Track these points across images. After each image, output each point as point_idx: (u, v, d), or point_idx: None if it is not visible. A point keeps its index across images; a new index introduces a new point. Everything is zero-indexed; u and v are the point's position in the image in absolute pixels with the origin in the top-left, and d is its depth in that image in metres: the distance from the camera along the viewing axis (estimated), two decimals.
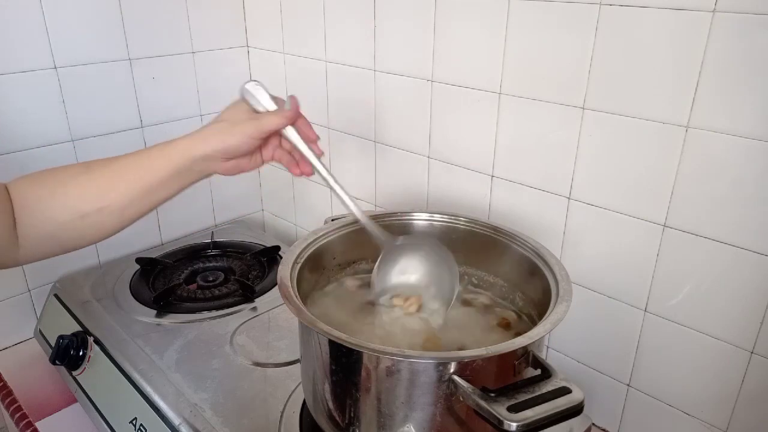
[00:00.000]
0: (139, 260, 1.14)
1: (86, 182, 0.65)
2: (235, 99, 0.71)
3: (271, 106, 0.68)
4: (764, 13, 0.59)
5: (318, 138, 0.70)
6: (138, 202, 0.65)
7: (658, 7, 0.66)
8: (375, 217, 0.79)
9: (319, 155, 0.69)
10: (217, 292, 1.07)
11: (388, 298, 0.74)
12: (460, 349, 0.68)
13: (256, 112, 0.68)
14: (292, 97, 0.68)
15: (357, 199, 1.12)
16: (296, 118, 0.68)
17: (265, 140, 0.69)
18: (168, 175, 0.65)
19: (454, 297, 0.73)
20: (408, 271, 0.74)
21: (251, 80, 0.69)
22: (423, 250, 0.73)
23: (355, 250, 0.81)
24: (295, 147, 0.69)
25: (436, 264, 0.73)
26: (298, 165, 0.71)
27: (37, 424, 0.91)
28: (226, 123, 0.67)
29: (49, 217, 0.63)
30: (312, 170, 0.70)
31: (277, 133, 0.69)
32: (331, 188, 0.69)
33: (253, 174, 1.39)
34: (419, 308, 0.72)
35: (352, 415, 0.62)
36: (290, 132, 0.68)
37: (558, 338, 0.90)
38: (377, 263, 0.73)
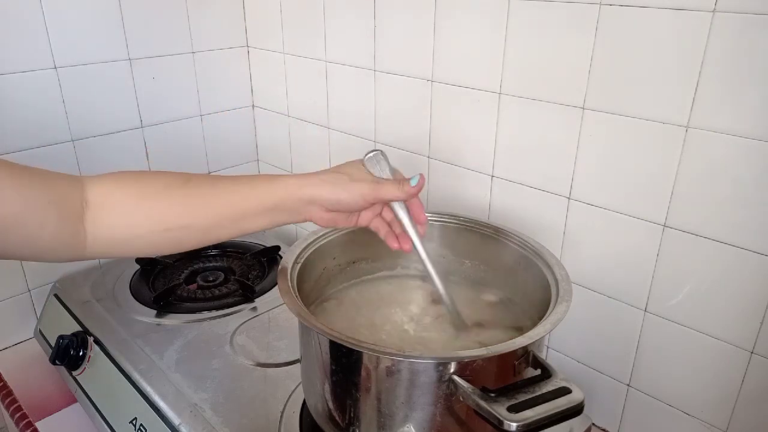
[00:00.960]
0: (139, 260, 1.14)
1: (178, 197, 0.62)
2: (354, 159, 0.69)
3: (387, 169, 0.67)
4: (764, 13, 0.59)
5: (426, 222, 0.70)
6: (225, 227, 0.64)
7: (658, 7, 0.66)
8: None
9: (421, 236, 0.69)
10: (217, 292, 1.07)
11: None
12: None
13: (375, 176, 0.67)
14: (421, 176, 0.66)
15: None
16: (416, 195, 0.67)
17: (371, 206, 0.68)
18: (264, 208, 0.63)
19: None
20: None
21: (375, 150, 0.67)
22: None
23: (355, 250, 0.81)
24: (398, 221, 0.68)
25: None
26: (398, 239, 0.70)
27: (37, 424, 0.91)
28: (344, 176, 0.65)
29: (129, 224, 0.61)
30: (411, 247, 0.69)
31: (385, 203, 0.69)
32: (428, 271, 0.69)
33: None
34: None
35: (352, 415, 0.62)
36: (400, 208, 0.68)
37: (558, 338, 0.90)
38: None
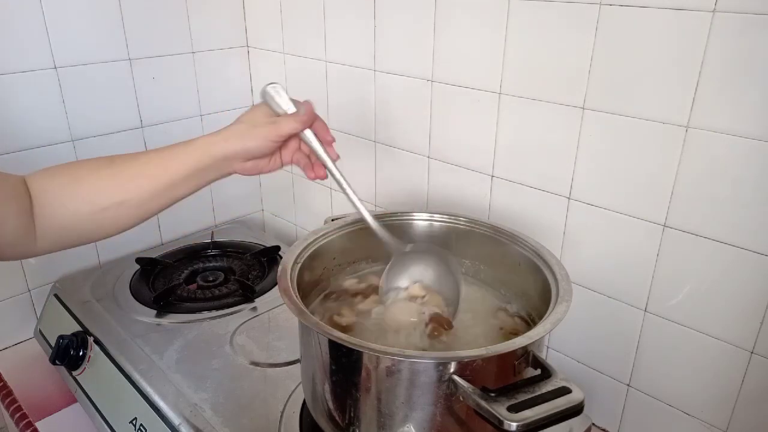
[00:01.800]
0: (139, 260, 1.14)
1: (108, 176, 0.66)
2: (256, 103, 0.72)
3: (291, 109, 0.69)
4: (764, 13, 0.59)
5: (334, 140, 0.71)
6: (158, 197, 0.67)
7: (658, 7, 0.66)
8: (376, 218, 0.79)
9: (334, 159, 0.70)
10: (217, 292, 1.07)
11: (401, 291, 0.74)
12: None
13: (276, 114, 0.69)
14: (307, 102, 0.69)
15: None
16: (312, 122, 0.69)
17: (285, 143, 0.70)
18: (188, 172, 0.66)
19: (460, 302, 0.73)
20: (416, 277, 0.74)
21: (272, 83, 0.69)
22: (431, 257, 0.74)
23: (355, 250, 0.81)
24: (312, 150, 0.70)
25: (444, 271, 0.74)
26: (313, 168, 0.72)
27: (37, 424, 0.91)
28: (245, 125, 0.68)
29: (68, 210, 0.64)
30: (326, 173, 0.71)
31: (297, 137, 0.70)
32: (344, 191, 0.70)
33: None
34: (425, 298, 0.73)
35: (352, 415, 0.62)
36: (308, 135, 0.69)
37: (558, 338, 0.90)
38: (387, 269, 0.74)
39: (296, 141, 0.71)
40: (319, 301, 0.78)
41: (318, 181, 0.71)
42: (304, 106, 0.69)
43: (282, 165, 0.72)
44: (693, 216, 0.70)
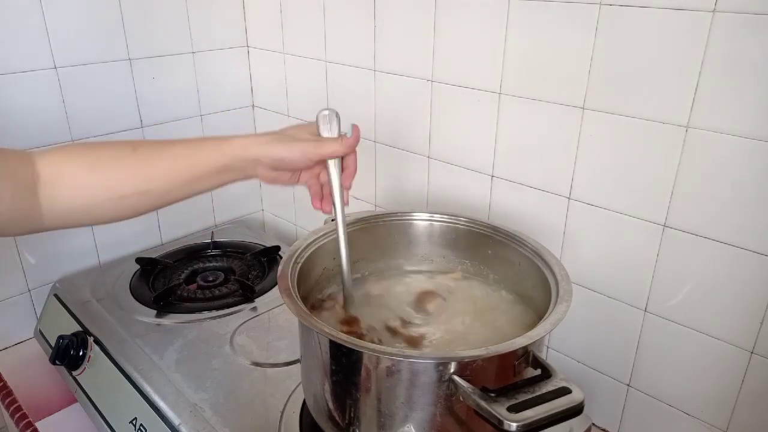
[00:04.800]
0: (139, 260, 1.14)
1: (131, 164, 0.64)
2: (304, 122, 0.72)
3: (336, 134, 0.69)
4: (764, 13, 0.59)
5: (350, 188, 0.72)
6: (180, 190, 0.66)
7: (658, 7, 0.66)
8: (377, 217, 0.80)
9: (345, 203, 0.71)
10: (217, 292, 1.07)
11: None
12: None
13: (320, 135, 0.69)
14: (355, 127, 0.69)
15: (357, 199, 1.12)
16: (354, 148, 0.69)
17: (313, 165, 0.70)
18: (215, 169, 0.66)
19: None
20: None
21: (327, 108, 0.69)
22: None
23: (356, 249, 0.80)
24: (329, 184, 0.70)
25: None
26: (321, 201, 0.72)
27: (37, 424, 0.91)
28: (289, 137, 0.68)
29: (84, 194, 0.63)
30: (331, 209, 0.71)
31: (324, 164, 0.70)
32: (339, 237, 0.70)
33: None
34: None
35: (352, 415, 0.62)
36: (334, 169, 0.69)
37: (558, 338, 0.90)
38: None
39: (320, 167, 0.71)
40: (319, 301, 0.78)
41: (322, 212, 0.72)
42: (352, 130, 0.69)
43: (298, 182, 0.72)
44: (693, 216, 0.70)
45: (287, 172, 0.70)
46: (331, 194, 0.70)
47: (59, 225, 0.64)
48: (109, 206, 0.64)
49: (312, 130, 0.69)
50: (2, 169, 0.59)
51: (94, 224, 0.67)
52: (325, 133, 0.69)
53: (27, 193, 0.60)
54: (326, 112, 0.69)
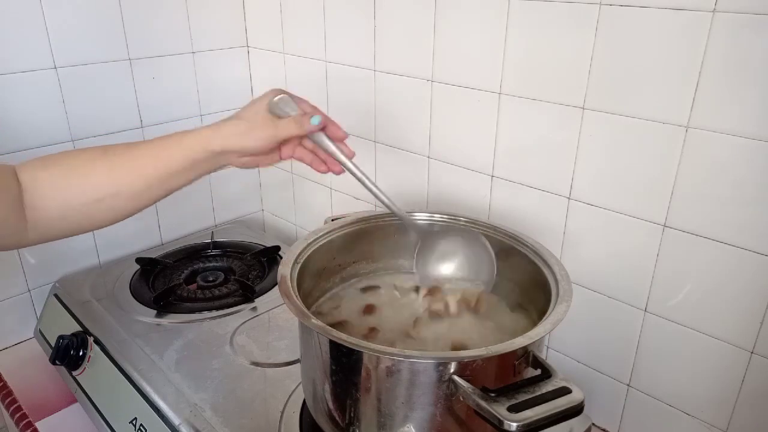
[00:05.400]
0: (139, 260, 1.14)
1: (102, 167, 0.65)
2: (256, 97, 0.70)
3: (292, 108, 0.68)
4: (764, 13, 0.59)
5: (347, 136, 0.70)
6: (153, 189, 0.66)
7: (658, 7, 0.66)
8: (377, 217, 0.79)
9: (350, 156, 0.69)
10: (217, 292, 1.07)
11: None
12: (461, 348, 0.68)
13: (278, 116, 0.68)
14: (322, 116, 0.68)
15: (357, 199, 1.12)
16: (314, 125, 0.68)
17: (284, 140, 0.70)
18: (183, 165, 0.66)
19: (494, 277, 0.74)
20: (447, 256, 0.75)
21: (279, 95, 0.68)
22: (460, 236, 0.75)
23: (355, 250, 0.81)
24: (321, 147, 0.69)
25: (473, 248, 0.75)
26: (326, 163, 0.71)
27: (37, 424, 0.91)
28: (244, 123, 0.67)
29: (61, 201, 0.64)
30: (341, 169, 0.70)
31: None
32: (366, 186, 0.69)
33: (253, 174, 1.40)
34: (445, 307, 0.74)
35: (352, 415, 0.62)
36: (318, 135, 0.68)
37: (558, 338, 0.90)
38: (416, 252, 0.75)
39: (296, 137, 0.70)
40: (319, 301, 0.78)
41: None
42: (318, 118, 0.68)
43: (281, 160, 0.71)
44: (693, 216, 0.70)
45: (260, 155, 0.69)
46: (329, 153, 0.69)
47: (41, 237, 0.65)
48: (86, 211, 0.65)
49: (266, 108, 0.68)
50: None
51: (74, 234, 0.67)
52: (281, 114, 0.68)
53: (17, 205, 0.61)
54: (276, 99, 0.68)
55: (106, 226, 0.68)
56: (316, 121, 0.67)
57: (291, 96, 0.69)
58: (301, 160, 0.71)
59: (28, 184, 0.63)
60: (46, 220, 0.64)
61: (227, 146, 0.66)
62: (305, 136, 0.68)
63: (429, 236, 0.75)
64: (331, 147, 0.69)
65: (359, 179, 0.69)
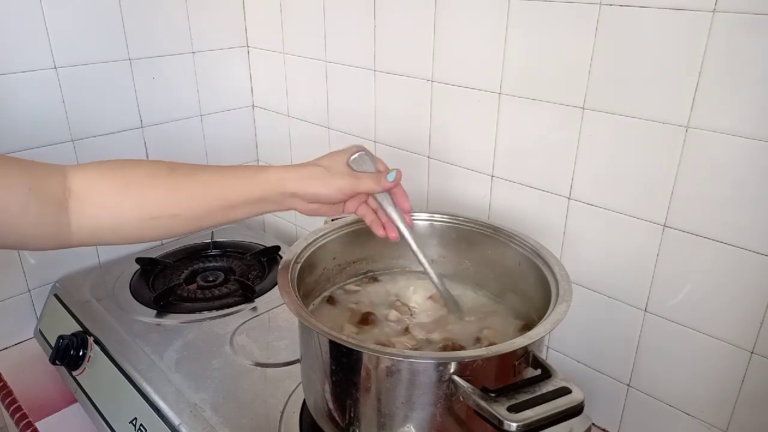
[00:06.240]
0: (139, 260, 1.14)
1: (166, 187, 0.64)
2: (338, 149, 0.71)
3: (369, 167, 0.68)
4: (764, 13, 0.59)
5: (411, 210, 0.71)
6: (213, 216, 0.65)
7: (658, 7, 0.66)
8: None
9: (410, 226, 0.70)
10: (217, 292, 1.07)
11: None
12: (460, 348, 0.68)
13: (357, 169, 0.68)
14: (397, 171, 0.68)
15: None
16: (393, 187, 0.69)
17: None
18: (251, 199, 0.65)
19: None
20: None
21: (360, 151, 0.69)
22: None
23: (355, 250, 0.81)
24: (383, 210, 0.70)
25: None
26: (384, 227, 0.71)
27: (37, 424, 0.91)
28: (323, 170, 0.67)
29: (116, 213, 0.62)
30: (398, 235, 0.70)
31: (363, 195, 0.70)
32: (419, 261, 0.71)
33: None
34: None
35: (352, 415, 0.62)
36: (384, 198, 0.69)
37: (558, 338, 0.90)
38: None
39: (364, 195, 0.70)
40: (319, 300, 0.78)
41: (391, 240, 0.71)
42: (394, 173, 0.68)
43: (344, 212, 0.71)
44: (693, 216, 0.70)
45: (326, 205, 0.69)
46: (389, 219, 0.70)
47: (87, 242, 0.63)
48: (138, 226, 0.63)
49: (346, 161, 0.68)
50: (29, 182, 0.57)
51: (122, 243, 0.65)
52: (359, 169, 0.68)
53: (55, 207, 0.59)
54: (356, 156, 0.68)
55: (155, 241, 0.67)
56: (391, 177, 0.68)
57: (369, 154, 0.69)
58: (363, 217, 0.72)
59: (81, 190, 0.60)
60: (94, 228, 0.62)
61: (302, 190, 0.65)
62: (377, 192, 0.69)
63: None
64: (393, 214, 0.69)
65: (414, 251, 0.70)
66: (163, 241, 1.26)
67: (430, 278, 0.72)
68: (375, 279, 0.83)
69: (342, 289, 0.81)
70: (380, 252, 0.82)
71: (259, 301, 1.04)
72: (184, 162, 0.66)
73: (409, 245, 0.70)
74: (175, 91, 1.20)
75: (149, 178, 0.64)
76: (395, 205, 0.69)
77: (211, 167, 0.68)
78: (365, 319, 0.74)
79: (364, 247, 0.80)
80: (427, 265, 0.71)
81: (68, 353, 0.94)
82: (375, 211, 0.71)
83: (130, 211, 0.62)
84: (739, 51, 0.62)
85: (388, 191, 0.69)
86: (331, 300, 0.78)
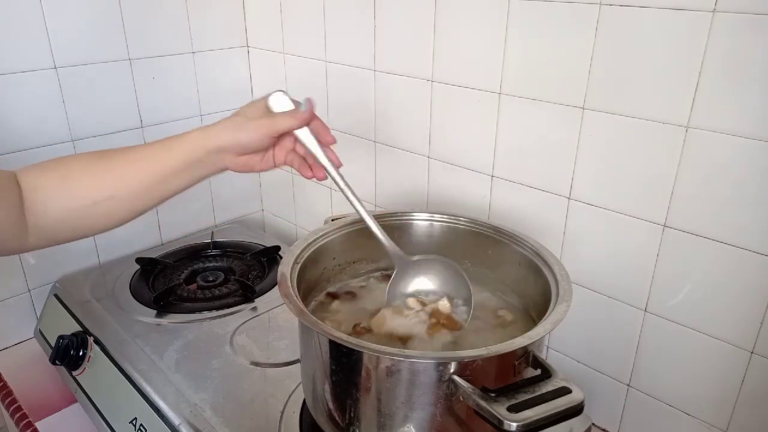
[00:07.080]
0: (139, 260, 1.14)
1: (99, 170, 0.65)
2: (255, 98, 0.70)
3: (288, 107, 0.68)
4: (764, 13, 0.59)
5: (334, 141, 0.70)
6: (150, 192, 0.66)
7: (658, 7, 0.66)
8: (377, 217, 0.79)
9: (336, 165, 0.69)
10: (217, 292, 1.07)
11: (403, 300, 0.74)
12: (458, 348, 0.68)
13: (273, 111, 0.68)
14: (309, 99, 0.67)
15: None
16: (310, 120, 0.68)
17: (279, 142, 0.69)
18: (180, 166, 0.66)
19: (472, 303, 0.72)
20: (422, 285, 0.74)
21: (277, 90, 0.68)
22: (437, 264, 0.74)
23: (355, 250, 0.81)
24: (308, 151, 0.69)
25: (452, 275, 0.73)
26: (311, 168, 0.71)
27: (37, 424, 0.91)
28: (240, 117, 0.67)
29: (59, 205, 0.64)
30: (325, 174, 0.69)
31: (291, 136, 0.69)
32: (345, 196, 0.69)
33: (254, 174, 1.39)
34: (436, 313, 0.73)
35: (352, 415, 0.62)
36: (304, 135, 0.68)
37: (558, 338, 0.90)
38: (391, 279, 0.73)
39: (291, 141, 0.70)
40: (319, 300, 0.78)
41: (318, 180, 0.71)
42: (305, 103, 0.67)
43: (275, 165, 0.71)
44: (693, 216, 0.70)
45: (256, 156, 0.68)
46: (316, 160, 0.69)
47: (41, 242, 0.65)
48: (84, 215, 0.65)
49: (264, 105, 0.68)
50: None
51: (74, 239, 0.67)
52: (276, 109, 0.68)
53: (16, 209, 0.61)
54: (272, 96, 0.68)
55: (103, 231, 0.68)
56: (304, 106, 0.67)
57: (287, 95, 0.69)
58: (291, 165, 0.71)
59: (28, 190, 0.63)
60: (45, 225, 0.64)
61: (222, 141, 0.66)
62: (300, 127, 0.67)
63: (406, 264, 0.73)
64: (317, 151, 0.68)
65: (340, 187, 0.69)
66: (163, 241, 1.26)
67: (361, 216, 0.70)
68: (388, 277, 0.82)
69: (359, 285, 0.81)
70: (380, 252, 0.82)
71: (259, 301, 1.04)
72: (118, 147, 0.68)
73: (334, 179, 0.69)
74: (175, 91, 1.20)
75: (83, 165, 0.66)
76: (321, 144, 0.68)
77: (142, 145, 0.68)
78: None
79: (364, 247, 0.80)
80: (356, 203, 0.69)
81: (68, 353, 0.94)
82: (303, 157, 0.71)
83: (73, 201, 0.64)
84: (739, 51, 0.62)
85: (309, 126, 0.68)
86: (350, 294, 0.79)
